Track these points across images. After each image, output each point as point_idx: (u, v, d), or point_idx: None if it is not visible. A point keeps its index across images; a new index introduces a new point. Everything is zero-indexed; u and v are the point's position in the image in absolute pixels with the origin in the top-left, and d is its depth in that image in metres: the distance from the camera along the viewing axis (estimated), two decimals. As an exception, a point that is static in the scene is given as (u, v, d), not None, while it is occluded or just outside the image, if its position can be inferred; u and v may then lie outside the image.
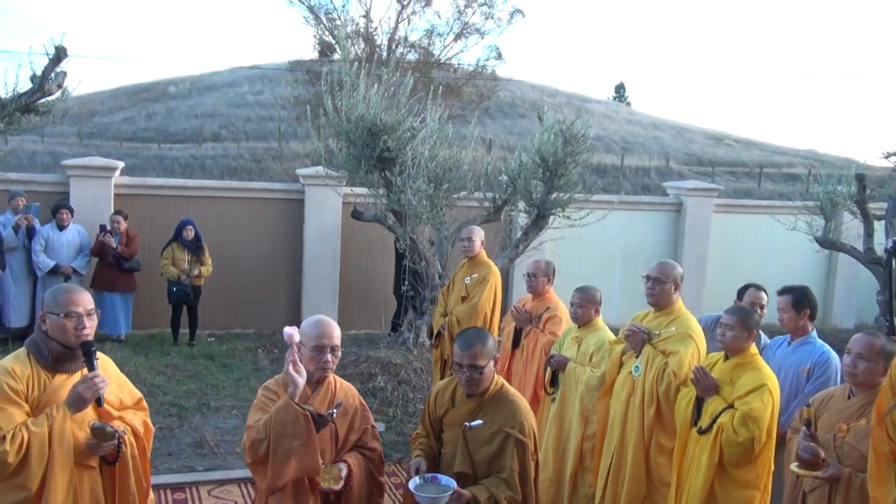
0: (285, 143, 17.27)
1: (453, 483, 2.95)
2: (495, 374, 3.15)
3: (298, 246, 9.99)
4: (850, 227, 11.01)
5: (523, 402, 3.14)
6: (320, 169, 8.82)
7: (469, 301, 5.55)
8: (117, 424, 2.88)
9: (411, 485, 2.93)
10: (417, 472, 3.04)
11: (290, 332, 3.06)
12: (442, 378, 5.65)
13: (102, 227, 8.49)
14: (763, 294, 4.85)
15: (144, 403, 3.18)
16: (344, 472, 3.02)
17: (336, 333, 3.08)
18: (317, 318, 3.14)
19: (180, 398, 7.10)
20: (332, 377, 3.16)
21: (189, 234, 8.64)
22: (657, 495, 4.19)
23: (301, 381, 2.95)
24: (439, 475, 3.02)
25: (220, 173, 15.08)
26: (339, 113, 7.41)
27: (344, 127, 7.42)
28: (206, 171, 15.18)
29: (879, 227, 10.23)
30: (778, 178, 19.36)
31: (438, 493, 2.89)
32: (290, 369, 2.96)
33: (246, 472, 5.49)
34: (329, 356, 3.04)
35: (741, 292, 4.96)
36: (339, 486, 2.99)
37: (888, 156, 10.62)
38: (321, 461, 2.95)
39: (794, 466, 3.27)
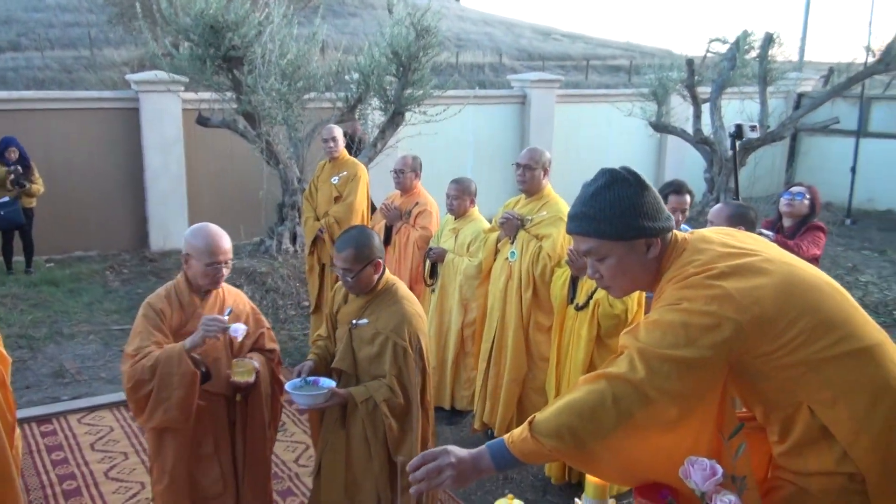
0: (98, 51, 15.74)
1: (332, 383, 2.91)
2: (386, 275, 3.04)
3: (138, 158, 9.31)
4: (678, 112, 11.76)
5: (409, 307, 2.97)
6: (157, 73, 8.17)
7: (345, 200, 5.45)
8: None
9: (288, 386, 2.86)
10: (299, 375, 2.98)
11: (239, 330, 2.88)
12: (321, 284, 5.60)
13: None
14: (687, 198, 4.36)
15: None
16: (257, 365, 2.95)
17: (229, 245, 2.94)
18: (206, 232, 2.92)
19: (27, 328, 6.60)
20: None
21: (13, 155, 7.79)
22: (537, 370, 4.46)
23: (203, 341, 2.83)
24: (321, 378, 2.97)
25: (26, 87, 13.58)
26: (176, 9, 6.82)
27: (182, 24, 6.85)
28: (8, 85, 13.58)
29: (705, 109, 11.00)
30: (603, 70, 20.14)
31: (315, 392, 2.85)
32: (206, 333, 2.80)
33: (117, 397, 5.27)
34: (224, 270, 2.92)
35: (665, 197, 4.81)
36: (252, 379, 2.92)
37: (712, 41, 11.31)
38: (232, 361, 2.93)
39: None
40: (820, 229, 4.56)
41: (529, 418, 1.78)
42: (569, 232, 1.92)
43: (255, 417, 3.07)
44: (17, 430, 2.94)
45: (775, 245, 1.90)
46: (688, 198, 4.33)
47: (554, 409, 1.74)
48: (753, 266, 1.72)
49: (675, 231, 1.87)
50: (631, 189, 1.81)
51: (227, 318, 2.96)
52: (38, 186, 8.04)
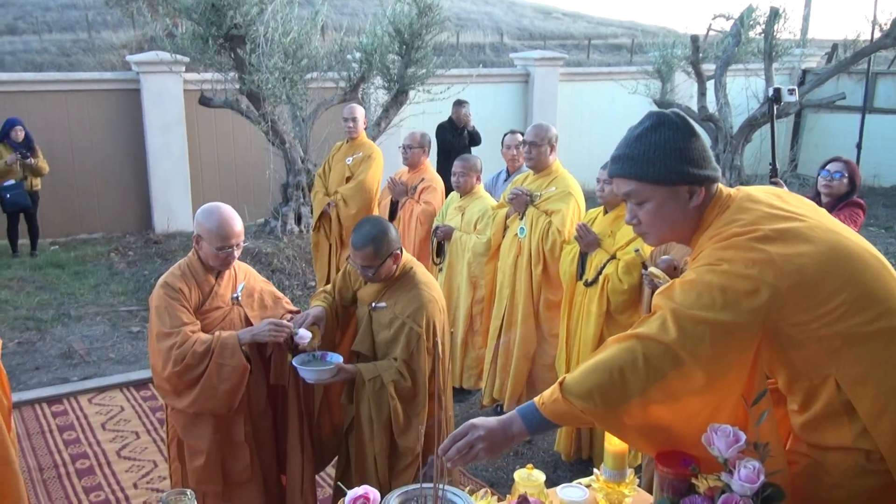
0: (96, 34, 15.64)
1: (339, 359, 2.88)
2: (404, 258, 3.00)
3: (139, 140, 9.27)
4: (682, 89, 11.69)
5: (427, 292, 2.93)
6: (158, 54, 8.11)
7: (355, 179, 5.42)
8: None
9: (295, 360, 2.84)
10: (302, 340, 2.90)
11: (305, 336, 2.86)
12: (329, 261, 5.58)
13: None
14: None
15: None
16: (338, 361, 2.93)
17: (240, 228, 2.88)
18: (217, 215, 2.84)
19: (35, 311, 6.61)
20: None
21: (18, 134, 7.75)
22: (547, 346, 4.46)
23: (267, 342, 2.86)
24: (329, 353, 2.95)
25: (24, 70, 13.52)
26: (177, -12, 6.78)
27: (184, 3, 6.79)
28: (6, 68, 13.53)
29: (709, 86, 10.93)
30: (605, 49, 20.03)
31: (323, 367, 2.83)
32: (271, 332, 2.82)
33: (126, 377, 5.29)
34: (235, 252, 2.89)
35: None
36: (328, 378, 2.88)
37: (715, 17, 11.23)
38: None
39: (652, 268, 3.51)
40: (859, 206, 4.34)
41: (560, 379, 1.75)
42: (609, 174, 1.85)
43: (291, 408, 3.06)
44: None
45: (824, 210, 1.85)
46: None
47: (584, 370, 1.72)
48: (799, 232, 1.67)
49: (721, 185, 1.81)
50: (678, 133, 1.74)
51: (240, 295, 2.96)
52: (44, 165, 8.01)
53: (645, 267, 3.70)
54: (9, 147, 7.76)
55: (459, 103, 8.18)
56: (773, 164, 4.26)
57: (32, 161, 7.78)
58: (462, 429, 1.80)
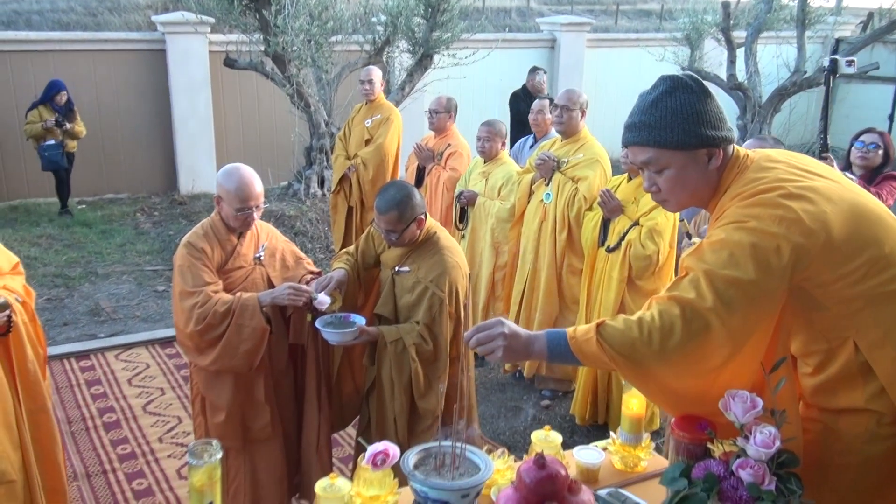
0: (122, -8, 15.60)
1: (362, 321, 2.91)
2: (428, 223, 3.01)
3: (165, 100, 9.31)
4: (711, 57, 11.48)
5: (450, 257, 2.94)
6: (183, 14, 8.10)
7: (374, 142, 5.43)
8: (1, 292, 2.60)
9: (318, 322, 2.85)
10: (326, 290, 2.93)
11: (324, 301, 2.87)
12: (347, 225, 5.61)
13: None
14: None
15: (21, 268, 2.90)
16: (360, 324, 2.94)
17: (260, 189, 2.89)
18: (237, 176, 2.85)
19: (63, 268, 6.73)
20: None
21: (61, 98, 7.86)
22: (568, 312, 4.47)
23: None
24: (352, 314, 2.97)
25: (51, 29, 13.56)
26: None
27: (209, -37, 6.78)
28: (33, 27, 13.55)
29: (739, 54, 10.72)
30: (633, 14, 19.60)
31: (344, 329, 2.85)
32: (290, 296, 2.84)
33: (152, 335, 5.39)
34: (255, 214, 2.92)
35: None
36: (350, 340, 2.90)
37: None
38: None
39: (696, 238, 3.50)
40: (894, 179, 4.25)
41: (598, 321, 1.76)
42: (625, 143, 1.82)
43: (310, 368, 3.10)
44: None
45: (839, 171, 1.84)
46: None
47: (625, 321, 1.72)
48: (822, 191, 1.66)
49: (736, 146, 1.79)
50: (694, 96, 1.72)
51: (262, 254, 2.99)
52: (81, 129, 8.10)
53: (689, 236, 3.69)
54: (50, 109, 7.86)
55: (534, 70, 7.94)
56: (825, 138, 4.14)
57: (68, 126, 7.88)
58: (491, 321, 1.81)
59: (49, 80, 7.96)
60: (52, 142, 7.84)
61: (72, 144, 8.09)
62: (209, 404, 2.98)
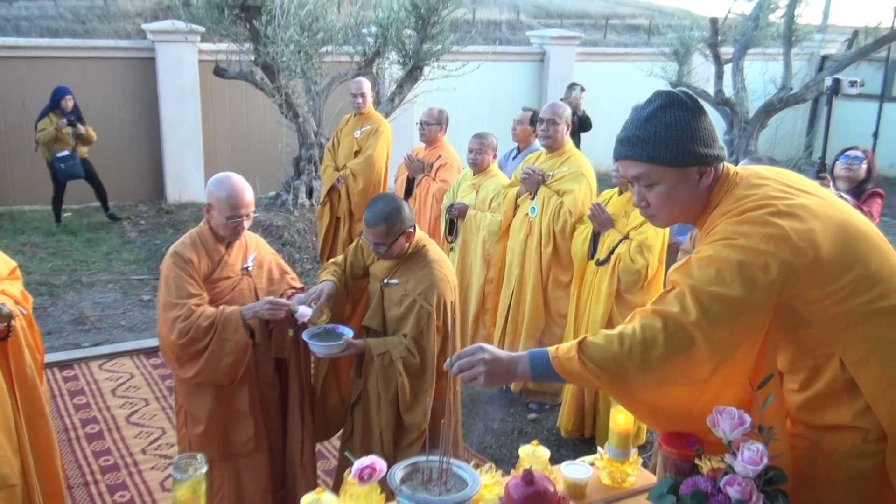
0: (111, 0, 15.58)
1: (350, 333, 2.90)
2: (417, 236, 3.00)
3: (153, 109, 9.28)
4: (699, 72, 11.56)
5: (439, 270, 2.92)
6: (173, 23, 8.08)
7: (363, 153, 5.43)
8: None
9: (306, 334, 2.85)
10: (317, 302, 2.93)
11: (304, 313, 2.86)
12: (335, 236, 5.60)
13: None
14: None
15: (18, 273, 2.91)
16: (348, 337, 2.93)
17: (251, 198, 2.88)
18: (228, 184, 2.84)
19: (48, 276, 6.67)
20: None
21: (68, 103, 7.82)
22: (555, 326, 4.47)
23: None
24: (340, 326, 2.96)
25: (40, 36, 13.50)
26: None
27: (200, -28, 6.77)
28: (22, 34, 13.51)
29: (727, 70, 10.81)
30: (622, 29, 19.79)
31: (332, 341, 2.85)
32: (269, 311, 2.83)
33: (137, 344, 5.34)
34: (245, 223, 2.90)
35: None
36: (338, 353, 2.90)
37: (735, 0, 11.07)
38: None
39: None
40: (879, 196, 4.32)
41: (579, 339, 1.75)
42: (618, 157, 1.82)
43: (292, 381, 3.09)
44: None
45: (827, 190, 1.85)
46: None
47: (605, 336, 1.71)
48: (811, 208, 1.67)
49: (726, 163, 1.80)
50: (688, 113, 1.72)
51: (250, 265, 2.98)
52: (92, 133, 8.07)
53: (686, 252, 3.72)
54: (59, 115, 7.83)
55: (572, 86, 7.88)
56: (823, 158, 4.15)
57: (81, 128, 7.84)
58: (471, 348, 1.82)
59: (54, 87, 7.94)
60: (66, 152, 7.84)
61: (83, 151, 8.07)
62: (189, 415, 2.96)
